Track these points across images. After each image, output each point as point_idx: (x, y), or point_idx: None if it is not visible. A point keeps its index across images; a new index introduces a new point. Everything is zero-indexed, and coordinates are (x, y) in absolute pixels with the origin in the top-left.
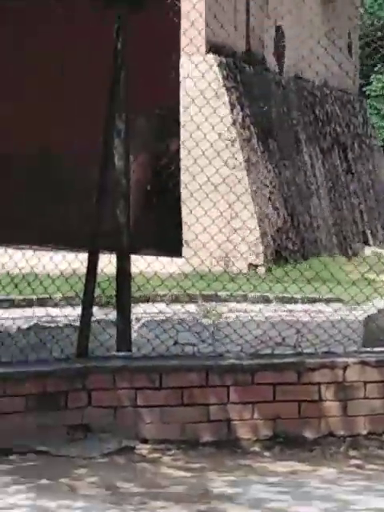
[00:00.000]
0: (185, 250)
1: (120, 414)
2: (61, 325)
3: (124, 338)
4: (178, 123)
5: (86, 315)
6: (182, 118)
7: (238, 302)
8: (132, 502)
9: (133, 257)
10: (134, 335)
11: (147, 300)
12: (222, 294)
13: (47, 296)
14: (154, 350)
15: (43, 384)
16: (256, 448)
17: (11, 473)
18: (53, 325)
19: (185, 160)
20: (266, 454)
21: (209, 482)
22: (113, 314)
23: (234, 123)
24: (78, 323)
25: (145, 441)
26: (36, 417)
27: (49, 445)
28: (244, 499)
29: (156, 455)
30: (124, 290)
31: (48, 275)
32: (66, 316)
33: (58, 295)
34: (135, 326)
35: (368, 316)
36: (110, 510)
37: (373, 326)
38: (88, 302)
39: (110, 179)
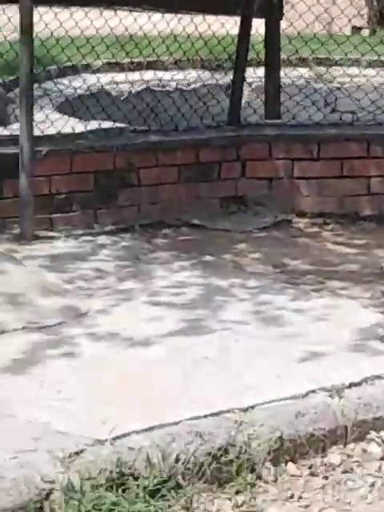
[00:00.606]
0: (288, 13)
1: (275, 185)
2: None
3: (273, 104)
4: None
5: (238, 80)
6: None
7: (353, 65)
8: (306, 281)
9: (232, 19)
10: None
11: (258, 63)
12: (335, 57)
13: (156, 59)
14: (310, 118)
15: (196, 153)
16: None
17: (169, 248)
18: (164, 89)
19: None
20: None
21: (381, 260)
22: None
23: None
24: (190, 88)
25: (301, 214)
26: (188, 188)
27: (202, 218)
28: None
29: (314, 230)
30: (274, 53)
31: (159, 34)
32: (174, 80)
33: (169, 59)
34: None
35: None
36: (287, 289)
37: None
38: (240, 66)
39: None
